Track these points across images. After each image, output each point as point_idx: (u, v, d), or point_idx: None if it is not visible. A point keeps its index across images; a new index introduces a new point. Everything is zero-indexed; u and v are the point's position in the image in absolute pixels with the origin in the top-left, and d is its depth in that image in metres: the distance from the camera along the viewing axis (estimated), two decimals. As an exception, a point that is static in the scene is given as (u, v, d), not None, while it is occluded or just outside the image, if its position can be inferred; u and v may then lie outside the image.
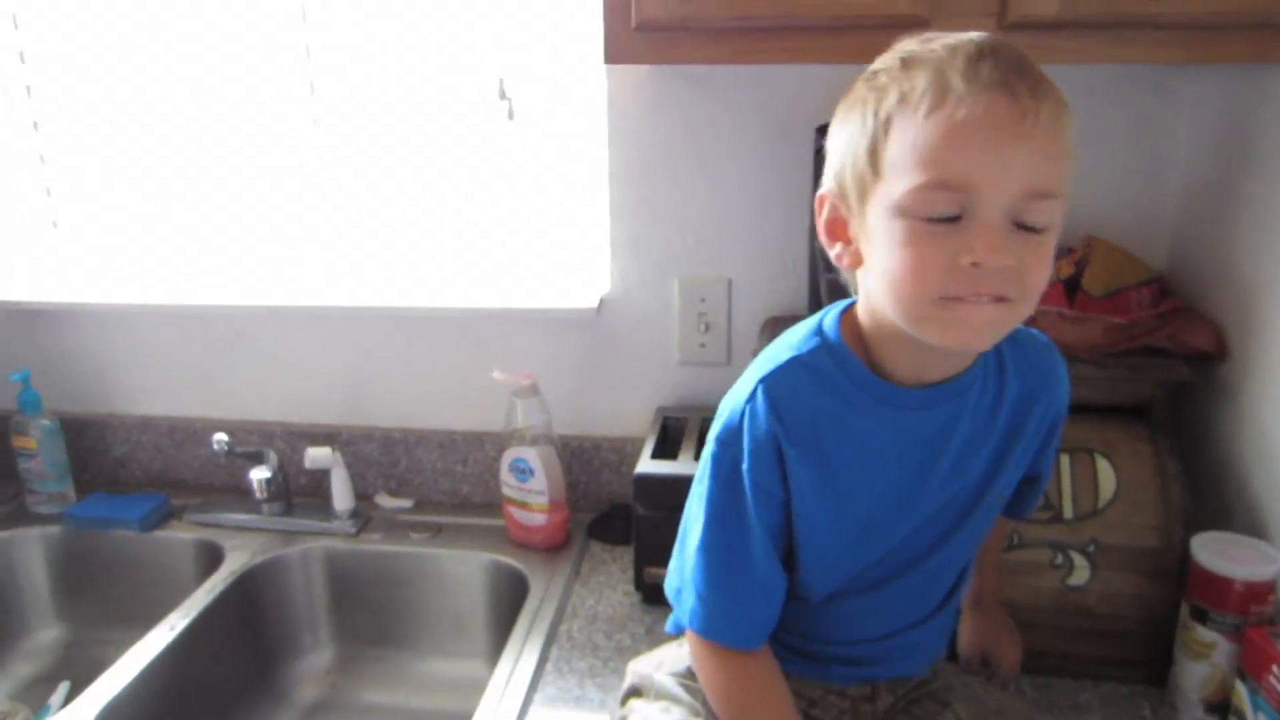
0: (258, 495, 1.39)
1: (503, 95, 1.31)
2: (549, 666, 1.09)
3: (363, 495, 1.47)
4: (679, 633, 0.91)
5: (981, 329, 0.66)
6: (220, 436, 1.37)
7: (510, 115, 1.32)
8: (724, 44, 0.89)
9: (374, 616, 1.38)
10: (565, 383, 1.40)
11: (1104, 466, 1.06)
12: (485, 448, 1.44)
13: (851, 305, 0.77)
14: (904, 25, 0.87)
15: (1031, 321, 1.07)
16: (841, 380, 0.74)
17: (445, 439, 1.46)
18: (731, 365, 1.37)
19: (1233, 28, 0.88)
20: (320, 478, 1.42)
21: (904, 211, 0.64)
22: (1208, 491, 1.14)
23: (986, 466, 0.80)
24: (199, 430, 1.50)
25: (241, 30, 1.40)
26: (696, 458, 1.20)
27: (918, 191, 0.63)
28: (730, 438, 0.76)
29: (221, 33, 1.40)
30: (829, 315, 0.78)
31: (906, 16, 0.88)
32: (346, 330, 1.45)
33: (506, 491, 1.34)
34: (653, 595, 1.19)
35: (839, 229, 0.72)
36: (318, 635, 1.40)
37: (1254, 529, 1.04)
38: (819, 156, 1.13)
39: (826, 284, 1.16)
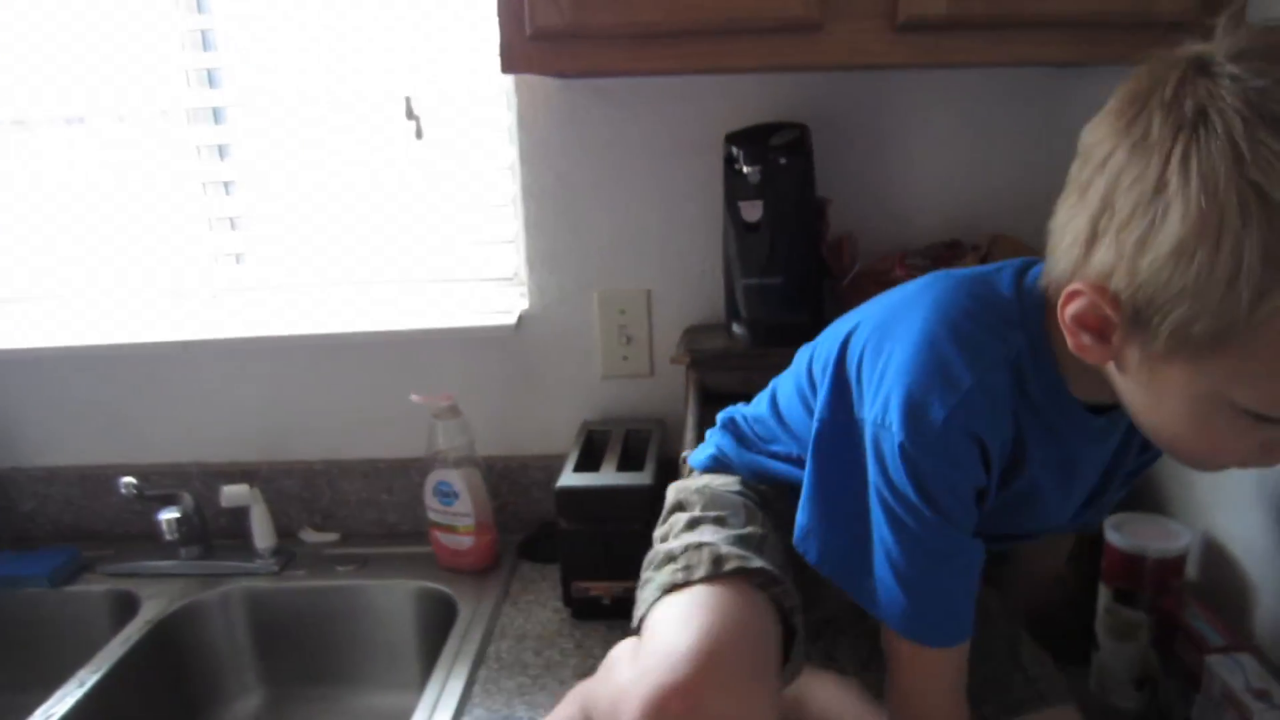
0: (168, 537, 1.33)
1: (410, 114, 1.30)
2: (477, 688, 1.07)
3: (287, 532, 1.43)
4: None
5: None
6: (127, 480, 1.32)
7: (418, 134, 1.31)
8: (618, 51, 0.90)
9: (302, 655, 1.34)
10: (488, 402, 1.39)
11: (1019, 455, 1.09)
12: (410, 474, 1.41)
13: (1037, 276, 0.68)
14: (795, 28, 0.90)
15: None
16: (1039, 390, 0.69)
17: (369, 468, 1.43)
18: (655, 376, 1.38)
19: (1113, 27, 0.92)
20: (240, 517, 1.38)
21: (1229, 409, 0.57)
22: (1118, 473, 1.17)
23: (1101, 484, 0.81)
24: (110, 477, 1.43)
25: (143, 56, 1.36)
26: (619, 469, 1.21)
27: (1268, 407, 0.56)
28: (930, 442, 0.66)
29: (122, 59, 1.37)
30: (1028, 292, 0.69)
31: (798, 19, 0.90)
32: (261, 362, 1.42)
33: (432, 516, 1.32)
34: (582, 610, 1.19)
35: (1099, 326, 0.60)
36: (244, 679, 1.35)
37: (1159, 507, 1.08)
38: (729, 165, 1.16)
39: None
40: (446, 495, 1.29)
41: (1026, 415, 0.70)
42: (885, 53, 0.91)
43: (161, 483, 1.43)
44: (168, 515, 1.33)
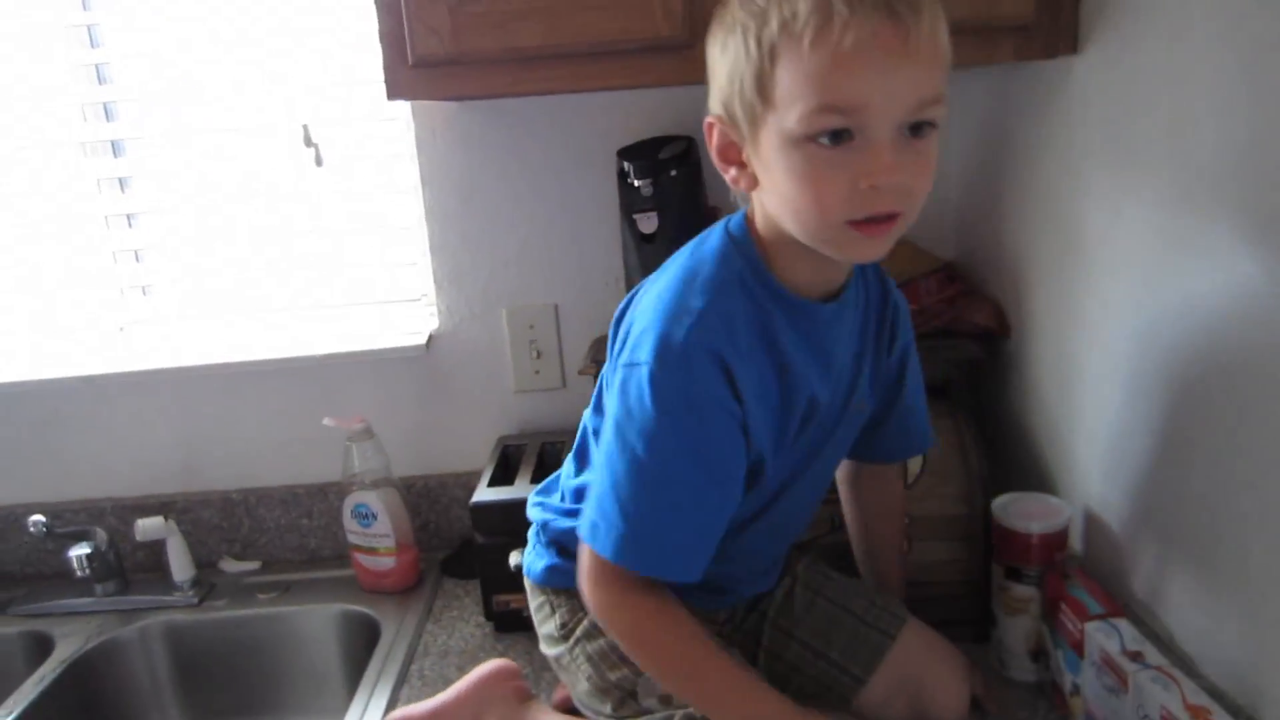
0: (80, 574, 1.32)
1: (308, 142, 1.31)
2: (397, 708, 1.07)
3: (206, 563, 1.43)
4: (542, 526, 0.92)
5: (879, 244, 0.71)
6: (36, 518, 1.30)
7: (318, 162, 1.32)
8: (499, 75, 0.93)
9: (225, 686, 1.33)
10: (403, 423, 1.40)
11: (912, 444, 1.13)
12: (329, 498, 1.42)
13: (745, 213, 0.79)
14: (667, 47, 0.94)
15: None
16: (765, 299, 0.76)
17: (287, 494, 1.43)
18: (567, 388, 1.40)
19: (960, 32, 0.95)
20: (158, 550, 1.37)
21: (800, 140, 0.66)
22: (1005, 456, 1.23)
23: (855, 368, 0.85)
24: (19, 516, 1.41)
25: (37, 91, 1.36)
26: (534, 481, 1.22)
27: (811, 117, 0.65)
28: (673, 361, 0.73)
29: (17, 93, 1.36)
30: (734, 227, 0.79)
31: (668, 39, 0.94)
32: (171, 393, 1.41)
33: (352, 539, 1.32)
34: (504, 623, 1.20)
35: (732, 153, 0.74)
36: (166, 715, 1.34)
37: (1044, 485, 1.14)
38: (622, 179, 1.19)
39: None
40: (365, 517, 1.30)
41: (776, 334, 0.77)
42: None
43: (74, 519, 1.42)
44: (78, 552, 1.31)
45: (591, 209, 1.31)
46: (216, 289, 1.44)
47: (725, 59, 0.70)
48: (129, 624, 1.31)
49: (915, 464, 1.12)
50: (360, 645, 1.27)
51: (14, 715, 1.13)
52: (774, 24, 0.65)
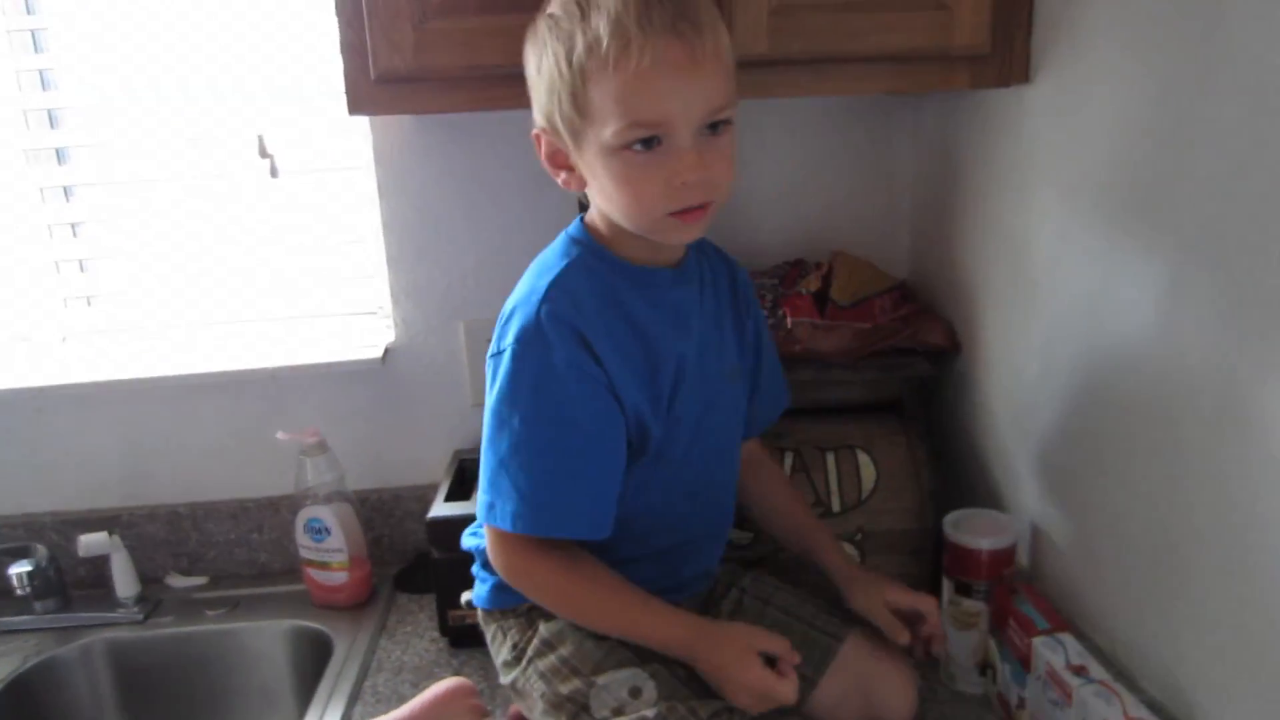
0: (19, 592, 1.28)
1: (263, 153, 1.29)
2: (346, 726, 1.07)
3: (153, 578, 1.39)
4: (478, 552, 0.95)
5: (697, 228, 0.82)
6: (-27, 534, 1.26)
7: (273, 173, 1.30)
8: (461, 92, 0.93)
9: (172, 706, 1.30)
10: (357, 436, 1.38)
11: (865, 460, 1.16)
12: (280, 512, 1.40)
13: (582, 216, 0.90)
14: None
15: (787, 332, 1.16)
16: (606, 272, 0.86)
17: (236, 508, 1.40)
18: (524, 402, 1.40)
19: (918, 60, 1.00)
20: (101, 566, 1.33)
21: (616, 149, 0.77)
22: (956, 472, 1.25)
23: (717, 332, 0.94)
24: (-45, 531, 1.38)
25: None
26: (490, 496, 1.22)
27: (622, 131, 0.75)
28: (531, 336, 0.81)
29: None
30: (572, 228, 0.90)
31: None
32: (117, 406, 1.38)
33: (304, 553, 1.30)
34: (460, 638, 1.19)
35: (560, 159, 0.83)
36: (109, 735, 1.31)
37: (993, 501, 1.16)
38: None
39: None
40: (318, 532, 1.28)
41: (624, 299, 0.85)
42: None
43: (12, 535, 1.37)
44: (19, 569, 1.27)
45: (549, 224, 1.28)
46: (165, 300, 1.41)
47: (542, 79, 0.79)
48: (70, 642, 1.28)
49: (869, 478, 1.15)
50: (312, 662, 1.25)
51: (-51, 738, 1.10)
52: (580, 48, 0.75)
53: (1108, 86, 0.88)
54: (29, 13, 1.30)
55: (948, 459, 1.26)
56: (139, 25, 1.30)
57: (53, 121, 1.35)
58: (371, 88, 0.96)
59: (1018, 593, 1.00)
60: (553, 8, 0.78)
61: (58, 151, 1.35)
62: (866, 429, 1.19)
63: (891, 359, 1.21)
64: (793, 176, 1.35)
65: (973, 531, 1.04)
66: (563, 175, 0.85)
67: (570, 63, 0.75)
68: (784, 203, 1.36)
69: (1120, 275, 0.88)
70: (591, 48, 0.74)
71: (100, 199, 1.37)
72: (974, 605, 1.03)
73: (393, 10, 0.93)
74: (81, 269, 1.41)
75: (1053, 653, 0.90)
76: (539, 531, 0.83)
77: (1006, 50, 1.00)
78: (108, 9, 1.29)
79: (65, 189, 1.37)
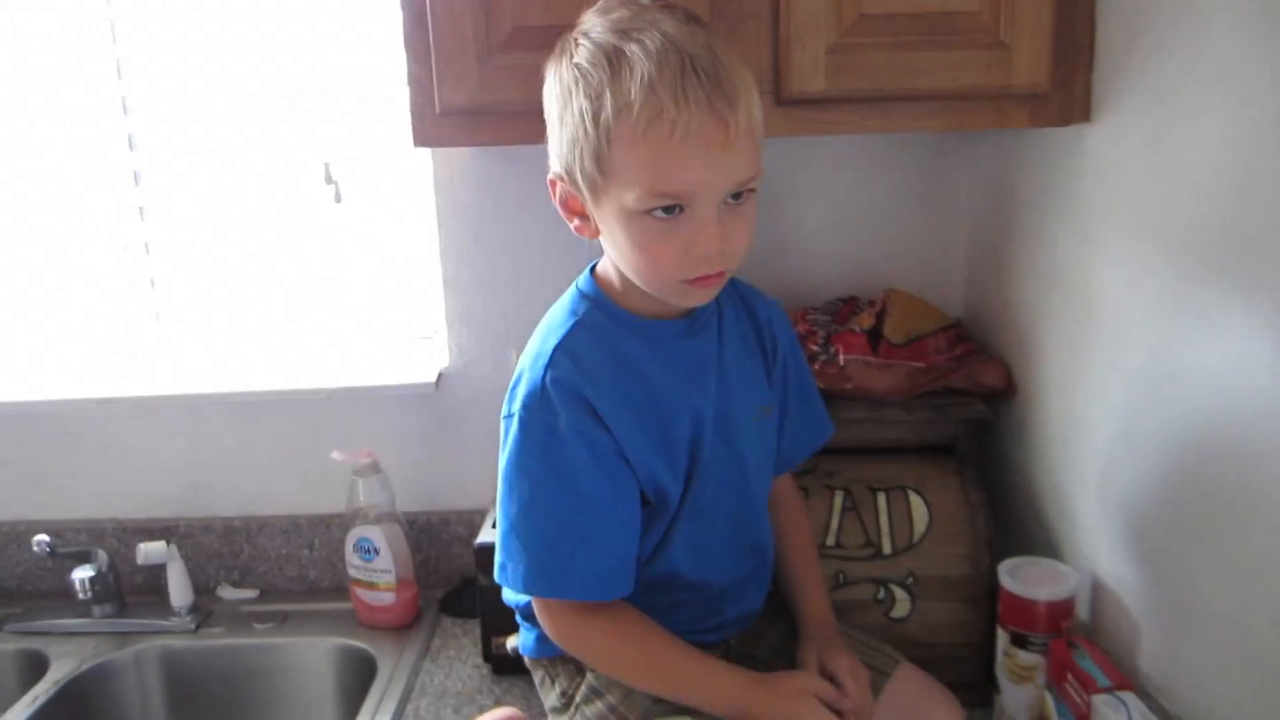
0: (81, 596, 1.32)
1: (329, 179, 1.33)
2: (392, 747, 1.07)
3: (205, 589, 1.43)
4: (516, 608, 0.96)
5: (709, 293, 0.82)
6: (41, 538, 1.30)
7: (337, 199, 1.34)
8: (523, 126, 0.94)
9: (218, 715, 1.33)
10: (409, 458, 1.40)
11: (917, 502, 1.13)
12: (331, 530, 1.42)
13: (594, 265, 0.90)
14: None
15: (839, 369, 1.15)
16: (614, 328, 0.85)
17: (289, 524, 1.43)
18: (574, 430, 1.40)
19: (976, 99, 0.99)
20: (157, 574, 1.37)
21: (635, 215, 0.76)
22: (1010, 518, 1.22)
23: (755, 375, 0.94)
24: (22, 534, 1.42)
25: (58, 120, 1.38)
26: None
27: (645, 198, 0.74)
28: (537, 402, 0.82)
29: (36, 122, 1.39)
30: (581, 280, 0.89)
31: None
32: (180, 419, 1.42)
33: (352, 572, 1.32)
34: (503, 665, 1.19)
35: (574, 205, 0.83)
36: (156, 741, 1.33)
37: (1051, 549, 1.13)
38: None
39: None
40: (367, 551, 1.30)
41: (632, 355, 0.85)
42: (770, 126, 0.96)
43: (76, 539, 1.42)
44: (81, 574, 1.32)
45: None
46: (230, 319, 1.45)
47: (564, 131, 0.78)
48: (125, 647, 1.31)
49: (921, 520, 1.13)
50: (355, 681, 1.27)
51: (5, 737, 1.13)
52: (609, 109, 0.73)
53: (1180, 126, 0.86)
54: (114, 40, 1.36)
55: (1002, 504, 1.23)
56: (214, 55, 1.35)
57: (131, 144, 1.40)
58: (436, 120, 0.98)
59: (1077, 647, 0.96)
60: (578, 57, 0.76)
61: (134, 173, 1.41)
62: (919, 470, 1.16)
63: (945, 400, 1.18)
64: (846, 212, 1.34)
65: (1030, 581, 1.01)
66: (576, 222, 0.84)
67: (597, 122, 0.74)
68: (837, 238, 1.35)
69: (1192, 322, 0.85)
70: (621, 111, 0.72)
71: (173, 220, 1.42)
72: (1030, 658, 1.00)
73: (459, 47, 0.95)
74: (152, 286, 1.45)
75: (1115, 712, 0.87)
76: (550, 594, 0.84)
77: (1067, 89, 0.98)
78: (185, 39, 1.35)
79: (140, 209, 1.42)
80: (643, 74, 0.71)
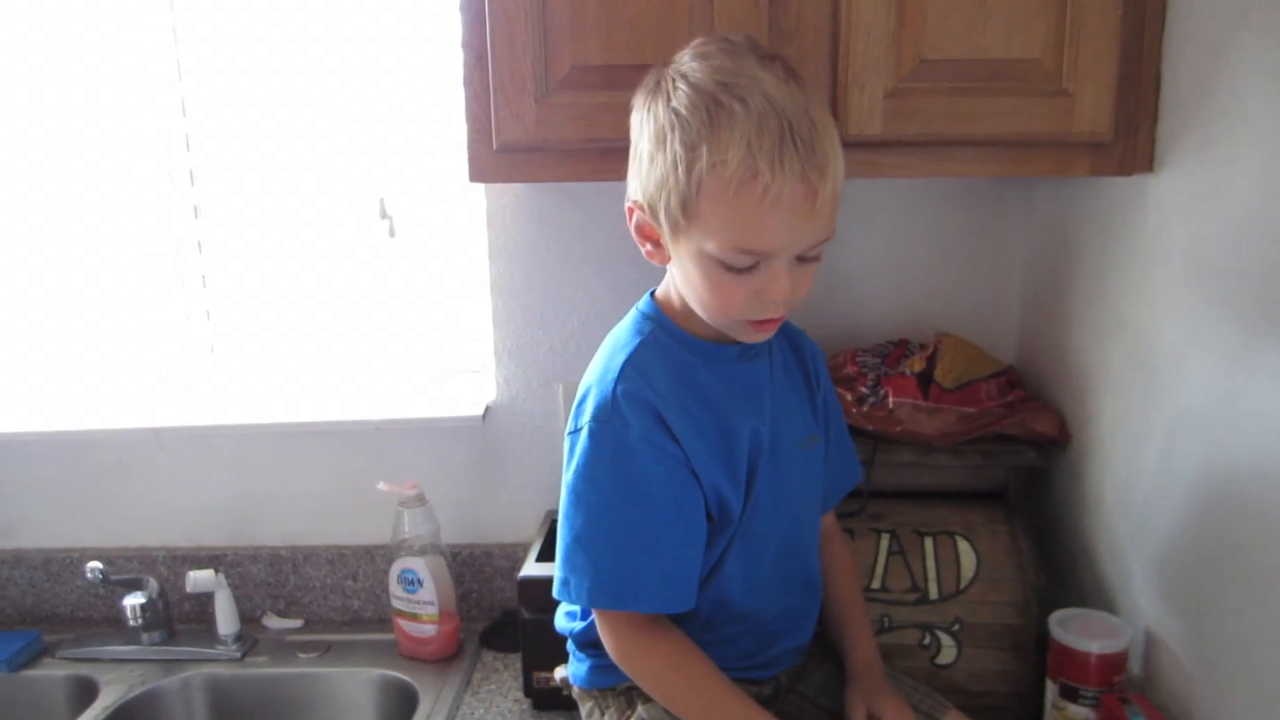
0: (131, 623, 1.34)
1: (383, 214, 1.35)
2: (433, 784, 1.07)
3: (250, 618, 1.44)
4: (570, 635, 0.97)
5: (768, 334, 0.86)
6: (94, 565, 1.32)
7: (391, 233, 1.36)
8: (578, 163, 0.96)
9: (261, 744, 1.34)
10: (454, 491, 1.41)
11: (965, 548, 1.12)
12: (375, 561, 1.43)
13: (653, 291, 0.92)
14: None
15: (889, 412, 1.15)
16: (677, 348, 0.88)
17: (334, 555, 1.44)
18: (618, 467, 1.40)
19: (1035, 145, 0.99)
20: (205, 602, 1.38)
21: (714, 260, 0.78)
22: (1061, 567, 1.20)
23: (801, 404, 0.96)
24: (75, 561, 1.45)
25: (121, 154, 1.42)
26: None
27: (726, 251, 0.77)
28: (608, 414, 0.83)
29: (100, 154, 1.42)
30: (643, 304, 0.92)
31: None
32: (231, 449, 1.44)
33: (396, 604, 1.33)
34: (543, 700, 1.19)
35: (649, 232, 0.84)
36: (201, 768, 1.34)
37: (1103, 601, 1.11)
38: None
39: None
40: (411, 583, 1.30)
41: (695, 375, 0.87)
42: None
43: (127, 566, 1.44)
44: (132, 601, 1.33)
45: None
46: (282, 351, 1.48)
47: (654, 171, 0.79)
48: (172, 674, 1.32)
49: (969, 567, 1.11)
50: (397, 712, 1.27)
51: (55, 762, 1.14)
52: (704, 162, 0.75)
53: (1245, 180, 0.85)
54: (179, 78, 1.40)
55: (1053, 554, 1.21)
56: (272, 90, 1.39)
57: (191, 178, 1.44)
58: (492, 157, 0.99)
59: (1129, 703, 0.94)
60: (676, 101, 0.77)
61: (194, 207, 1.44)
62: (967, 516, 1.15)
63: (996, 446, 1.17)
64: (900, 255, 1.34)
65: (1082, 633, 0.99)
66: (649, 247, 0.86)
67: (690, 171, 0.75)
68: (890, 281, 1.34)
69: (1258, 377, 0.84)
70: (716, 167, 0.74)
71: (229, 252, 1.45)
72: (1080, 711, 0.98)
73: (518, 85, 0.97)
74: (208, 318, 1.48)
75: (1167, 770, 0.85)
76: (616, 605, 0.84)
77: (1130, 138, 0.97)
78: (245, 75, 1.38)
79: (199, 242, 1.45)
80: (743, 134, 0.73)
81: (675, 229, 0.80)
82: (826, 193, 0.75)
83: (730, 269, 0.78)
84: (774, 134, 0.73)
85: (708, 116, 0.75)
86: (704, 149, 0.74)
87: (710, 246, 0.77)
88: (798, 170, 0.73)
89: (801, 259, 0.79)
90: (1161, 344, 0.99)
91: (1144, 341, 1.03)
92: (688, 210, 0.77)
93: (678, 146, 0.76)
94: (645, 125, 0.81)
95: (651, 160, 0.80)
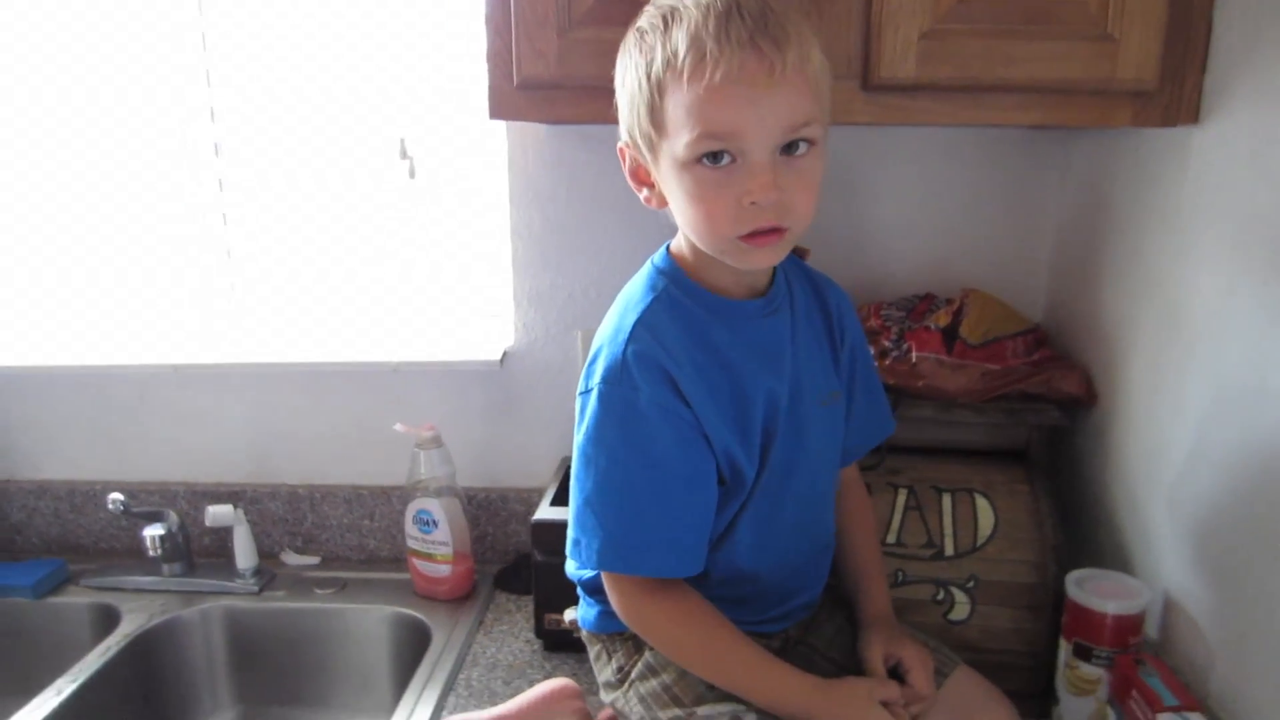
0: (151, 554, 1.36)
1: (404, 154, 1.34)
2: (444, 715, 1.08)
3: (268, 553, 1.46)
4: (580, 582, 0.97)
5: (770, 254, 0.79)
6: (115, 496, 1.34)
7: (411, 174, 1.35)
8: (599, 102, 0.92)
9: (277, 675, 1.36)
10: (471, 434, 1.41)
11: (983, 505, 1.11)
12: (392, 501, 1.44)
13: (669, 244, 0.89)
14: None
15: (911, 367, 1.13)
16: (691, 306, 0.84)
17: (351, 494, 1.45)
18: (635, 415, 1.40)
19: (1076, 93, 0.95)
20: (224, 537, 1.40)
21: (688, 163, 0.75)
22: (1081, 528, 1.18)
23: (824, 359, 0.93)
24: (98, 493, 1.47)
25: (142, 91, 1.41)
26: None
27: (693, 144, 0.74)
28: (617, 376, 0.81)
29: (121, 92, 1.42)
30: (657, 257, 0.88)
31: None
32: (250, 387, 1.45)
33: (411, 543, 1.34)
34: (554, 642, 1.20)
35: (642, 174, 0.83)
36: (218, 697, 1.37)
37: (1122, 563, 1.09)
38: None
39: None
40: (426, 523, 1.31)
41: (708, 333, 0.84)
42: (855, 112, 0.94)
43: (148, 500, 1.46)
44: (152, 532, 1.35)
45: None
46: (302, 290, 1.48)
47: (625, 91, 0.79)
48: (191, 605, 1.35)
49: (987, 524, 1.10)
50: (410, 649, 1.29)
51: (78, 683, 1.17)
52: (659, 61, 0.74)
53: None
54: (200, 11, 1.38)
55: (1073, 514, 1.19)
56: (293, 28, 1.37)
57: (212, 115, 1.42)
58: (514, 94, 0.97)
59: (1143, 664, 0.93)
60: (641, 21, 0.77)
61: (215, 144, 1.43)
62: (987, 474, 1.13)
63: (1020, 404, 1.15)
64: (927, 207, 1.30)
65: (1098, 593, 0.98)
66: (644, 192, 0.84)
67: (649, 76, 0.75)
68: (917, 233, 1.31)
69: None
70: (669, 61, 0.73)
71: (250, 192, 1.44)
72: (1093, 671, 0.97)
73: (540, 18, 0.94)
74: (229, 256, 1.48)
75: (1180, 732, 0.84)
76: (625, 569, 0.84)
77: (1176, 88, 0.93)
78: (267, 9, 1.36)
79: (220, 180, 1.45)
80: (690, 22, 0.72)
81: (652, 149, 0.78)
82: (788, 64, 0.72)
83: (706, 170, 0.75)
84: (719, 14, 0.72)
85: (661, 22, 0.75)
86: (658, 49, 0.74)
87: (679, 147, 0.74)
88: (745, 39, 0.71)
89: (787, 155, 0.75)
90: (1195, 304, 0.96)
91: (1177, 301, 1.00)
92: (655, 118, 0.76)
93: (638, 57, 0.76)
94: (619, 61, 0.80)
95: (623, 84, 0.79)
